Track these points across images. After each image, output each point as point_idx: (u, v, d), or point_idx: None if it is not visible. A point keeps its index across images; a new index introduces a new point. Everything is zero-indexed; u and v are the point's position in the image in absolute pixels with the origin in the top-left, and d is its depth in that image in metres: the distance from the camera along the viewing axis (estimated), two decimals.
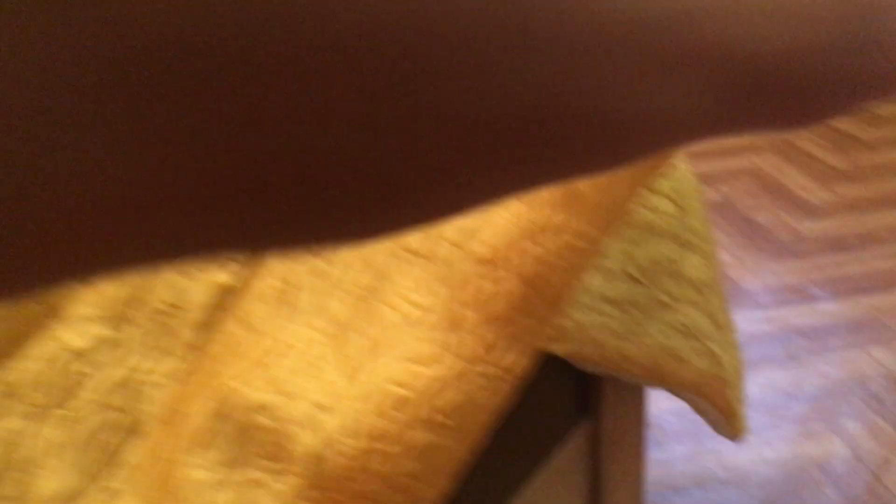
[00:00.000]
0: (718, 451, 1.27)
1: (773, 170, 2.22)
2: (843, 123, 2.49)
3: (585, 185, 0.43)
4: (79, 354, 0.41)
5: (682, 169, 0.73)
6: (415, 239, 0.39)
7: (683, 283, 0.71)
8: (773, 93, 0.14)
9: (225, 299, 0.40)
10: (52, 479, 0.32)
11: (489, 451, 0.64)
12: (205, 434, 0.33)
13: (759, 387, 1.40)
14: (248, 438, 0.32)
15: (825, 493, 1.17)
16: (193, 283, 0.41)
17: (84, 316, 0.42)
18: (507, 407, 0.64)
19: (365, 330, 0.32)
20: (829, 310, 1.59)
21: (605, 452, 0.76)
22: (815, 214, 1.96)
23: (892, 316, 1.56)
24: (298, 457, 0.30)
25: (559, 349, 0.52)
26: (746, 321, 1.57)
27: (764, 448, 1.27)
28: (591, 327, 0.54)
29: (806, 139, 2.40)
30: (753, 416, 1.33)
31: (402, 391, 0.31)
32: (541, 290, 0.33)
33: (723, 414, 0.82)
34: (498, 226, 0.39)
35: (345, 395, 0.31)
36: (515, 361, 0.33)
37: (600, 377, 0.73)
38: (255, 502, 0.31)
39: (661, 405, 1.36)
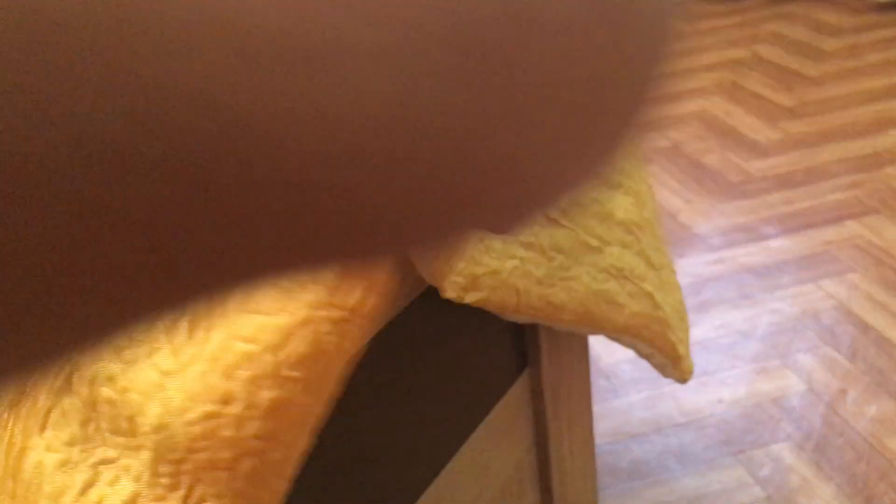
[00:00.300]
0: (675, 396, 1.26)
1: (720, 112, 2.21)
2: (788, 61, 2.49)
3: None
4: None
5: None
6: None
7: (612, 224, 0.69)
8: None
9: None
10: None
11: (429, 410, 0.62)
12: (51, 412, 0.30)
13: (713, 328, 1.40)
14: (97, 413, 0.29)
15: (782, 429, 1.18)
16: None
17: None
18: (448, 364, 0.63)
19: None
20: (779, 247, 1.59)
21: (547, 404, 0.75)
22: (763, 153, 1.96)
23: (841, 248, 1.56)
24: (147, 430, 0.28)
25: (471, 298, 0.50)
26: (699, 264, 1.57)
27: (720, 388, 1.27)
28: (506, 273, 0.52)
29: (752, 79, 2.39)
30: (708, 358, 1.33)
31: (246, 346, 0.28)
32: None
33: (667, 356, 0.81)
34: None
35: (191, 357, 0.28)
36: (362, 300, 0.30)
37: (536, 328, 0.71)
38: (112, 482, 0.29)
39: (617, 354, 1.36)
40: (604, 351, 1.36)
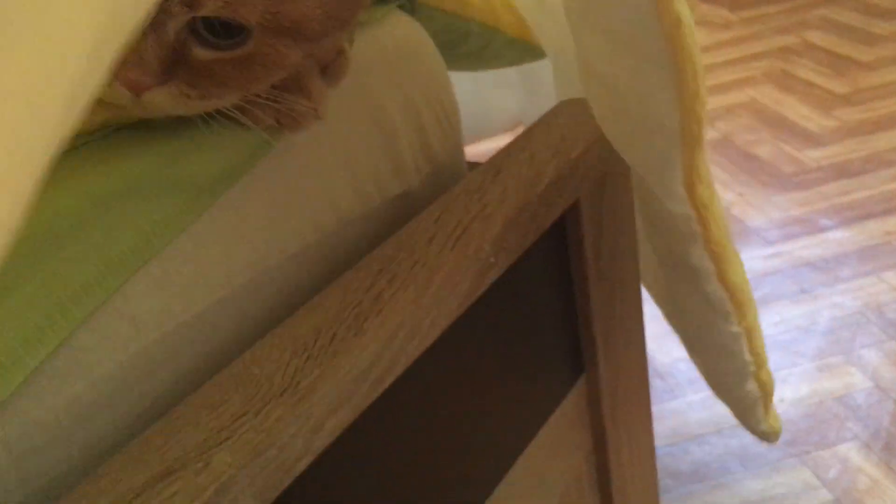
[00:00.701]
0: None
1: (770, 101, 2.16)
2: (839, 46, 2.42)
3: None
4: None
5: None
6: None
7: None
8: None
9: None
10: None
11: (485, 424, 0.60)
12: None
13: (771, 324, 1.35)
14: None
15: (848, 428, 1.13)
16: None
17: None
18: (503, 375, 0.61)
19: None
20: (838, 238, 1.54)
21: (605, 409, 0.72)
22: (817, 143, 1.90)
23: None
24: None
25: None
26: (754, 259, 1.53)
27: (782, 387, 1.23)
28: None
29: (803, 66, 2.33)
30: (769, 356, 1.29)
31: None
32: None
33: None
34: None
35: None
36: None
37: (592, 331, 0.68)
38: None
39: (673, 353, 1.32)
40: (658, 350, 1.33)
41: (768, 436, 0.89)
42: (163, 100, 0.42)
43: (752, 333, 0.80)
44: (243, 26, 0.41)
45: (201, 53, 0.42)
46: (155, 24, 0.39)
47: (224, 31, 0.41)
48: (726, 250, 0.68)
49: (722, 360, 0.84)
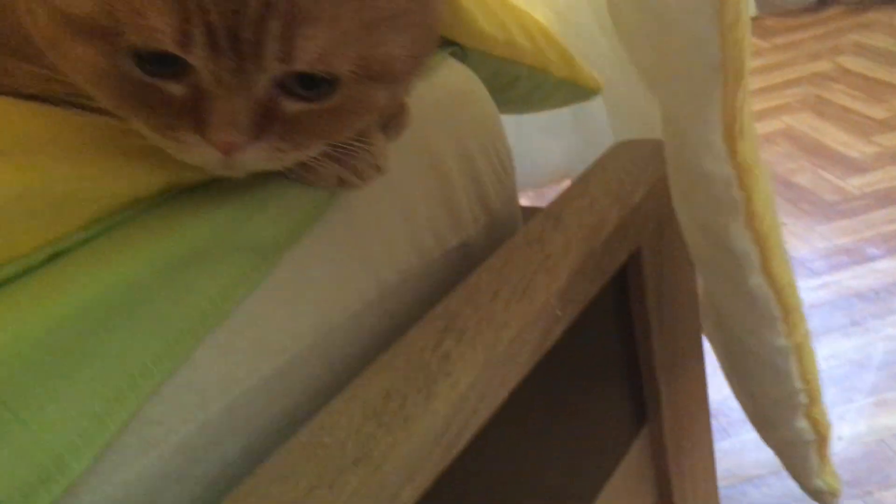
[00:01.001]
0: None
1: (808, 128, 2.13)
2: (874, 70, 2.39)
3: None
4: None
5: None
6: None
7: None
8: None
9: None
10: None
11: (550, 483, 0.58)
12: None
13: (823, 359, 1.32)
14: None
15: None
16: None
17: None
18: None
19: None
20: (887, 268, 1.51)
21: (670, 459, 0.70)
22: (859, 169, 1.87)
23: None
24: None
25: None
26: (801, 290, 1.48)
27: (839, 424, 1.19)
28: None
29: (838, 92, 2.30)
30: (822, 392, 1.25)
31: None
32: None
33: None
34: None
35: None
36: None
37: (655, 380, 0.66)
38: None
39: (724, 391, 1.28)
40: (709, 387, 1.30)
41: (823, 495, 0.81)
42: (255, 157, 0.40)
43: (803, 352, 0.71)
44: (335, 76, 0.40)
45: (291, 106, 0.40)
46: (247, 82, 0.38)
47: (314, 81, 0.40)
48: (771, 235, 0.61)
49: (767, 383, 0.73)
